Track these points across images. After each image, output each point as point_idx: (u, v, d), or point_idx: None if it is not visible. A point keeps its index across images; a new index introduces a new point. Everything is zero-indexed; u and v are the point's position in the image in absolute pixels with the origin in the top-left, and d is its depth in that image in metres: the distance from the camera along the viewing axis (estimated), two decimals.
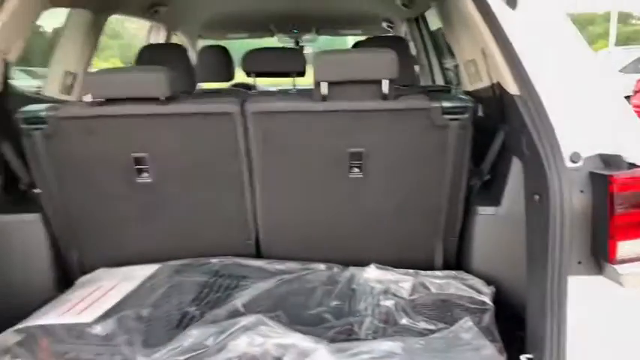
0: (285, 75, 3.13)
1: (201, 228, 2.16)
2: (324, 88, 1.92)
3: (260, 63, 3.00)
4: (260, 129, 1.97)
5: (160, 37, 4.22)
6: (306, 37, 5.10)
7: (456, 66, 2.78)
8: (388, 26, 4.64)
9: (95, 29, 2.81)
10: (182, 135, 2.00)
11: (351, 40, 5.88)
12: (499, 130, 2.01)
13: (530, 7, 1.67)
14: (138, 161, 2.00)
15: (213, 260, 2.10)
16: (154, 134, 1.99)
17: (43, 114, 1.92)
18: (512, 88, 1.68)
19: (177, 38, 4.59)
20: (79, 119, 1.95)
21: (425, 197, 2.07)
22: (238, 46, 6.14)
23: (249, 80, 4.90)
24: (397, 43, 2.92)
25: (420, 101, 1.94)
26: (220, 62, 3.96)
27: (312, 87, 1.98)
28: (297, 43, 5.14)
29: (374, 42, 3.01)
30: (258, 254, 2.22)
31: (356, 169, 2.01)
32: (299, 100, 2.03)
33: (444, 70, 4.05)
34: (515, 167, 1.90)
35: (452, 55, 4.69)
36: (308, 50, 5.23)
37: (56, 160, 1.99)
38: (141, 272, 2.06)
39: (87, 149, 1.99)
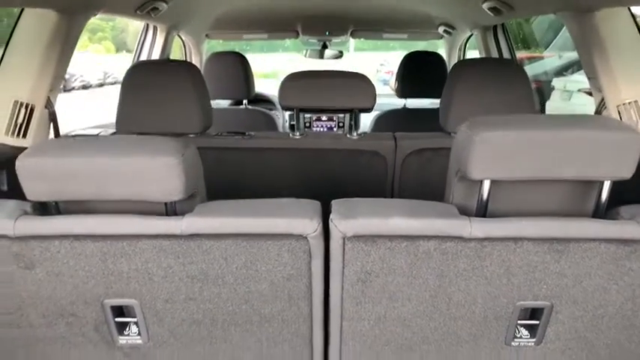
0: (344, 111, 2.11)
1: None
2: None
3: (312, 96, 1.99)
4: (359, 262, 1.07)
5: (156, 38, 3.25)
6: (337, 39, 4.13)
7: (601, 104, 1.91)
8: (445, 31, 3.68)
9: (66, 39, 1.85)
10: None
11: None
12: None
13: None
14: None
15: None
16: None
17: None
18: None
19: (175, 39, 3.61)
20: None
21: None
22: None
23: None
24: (512, 70, 1.99)
25: None
26: (237, 75, 3.06)
27: None
28: (324, 46, 4.17)
29: (477, 63, 2.07)
30: None
31: (525, 333, 1.12)
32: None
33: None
34: None
35: None
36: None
37: None
38: None
39: None
